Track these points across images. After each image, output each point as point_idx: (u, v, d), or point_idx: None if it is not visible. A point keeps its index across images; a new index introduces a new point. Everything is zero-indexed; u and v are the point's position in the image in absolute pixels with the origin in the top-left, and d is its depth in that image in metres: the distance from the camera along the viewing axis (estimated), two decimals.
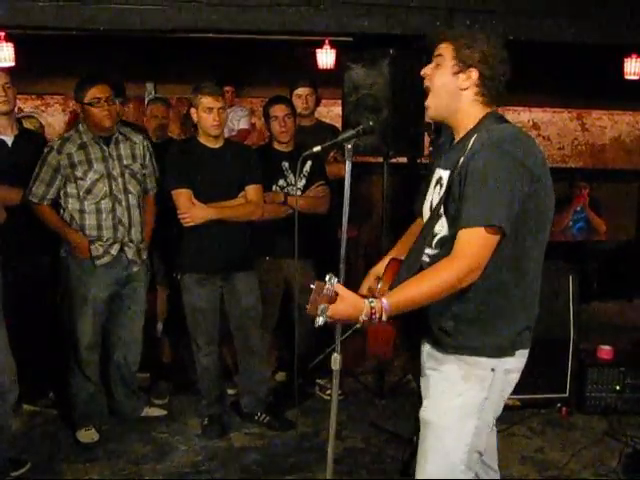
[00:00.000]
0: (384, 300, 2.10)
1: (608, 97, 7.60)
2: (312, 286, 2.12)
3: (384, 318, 2.09)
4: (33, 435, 4.05)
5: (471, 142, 2.18)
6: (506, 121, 2.29)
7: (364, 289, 2.55)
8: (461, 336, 2.25)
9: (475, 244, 2.09)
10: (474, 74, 2.23)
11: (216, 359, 4.12)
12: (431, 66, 2.30)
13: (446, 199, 2.23)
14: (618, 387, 4.35)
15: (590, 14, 4.74)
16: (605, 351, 4.47)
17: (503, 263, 2.17)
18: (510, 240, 2.13)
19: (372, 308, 2.09)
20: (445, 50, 2.26)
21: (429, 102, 2.32)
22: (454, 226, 2.18)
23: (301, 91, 4.92)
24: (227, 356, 4.70)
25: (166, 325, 4.88)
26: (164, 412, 4.37)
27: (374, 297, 2.14)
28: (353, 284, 6.14)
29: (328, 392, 4.57)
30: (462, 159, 2.18)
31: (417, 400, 3.86)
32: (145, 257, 4.08)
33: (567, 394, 4.41)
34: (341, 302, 2.10)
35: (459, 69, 2.23)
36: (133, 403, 4.28)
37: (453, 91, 2.26)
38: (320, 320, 2.09)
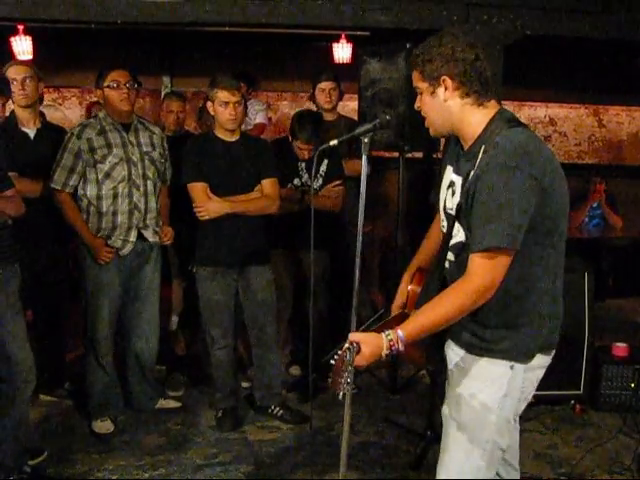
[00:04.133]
0: (399, 332, 2.16)
1: (626, 93, 7.54)
2: (332, 362, 2.18)
3: (401, 348, 2.16)
4: (49, 425, 4.09)
5: (480, 153, 2.14)
6: (515, 120, 2.22)
7: (397, 304, 2.59)
8: (484, 340, 2.27)
9: (487, 266, 2.10)
10: (446, 81, 2.19)
11: (230, 352, 4.14)
12: (418, 98, 2.32)
13: (459, 209, 2.23)
14: (633, 385, 4.33)
15: (607, 9, 4.71)
16: (620, 348, 4.45)
17: (518, 271, 2.16)
18: (523, 250, 2.13)
19: (390, 341, 2.15)
20: (415, 79, 2.28)
21: (427, 125, 2.34)
22: (467, 237, 2.20)
23: (324, 85, 4.92)
24: (241, 349, 4.72)
25: (182, 318, 4.91)
26: (179, 404, 4.39)
27: (390, 329, 2.18)
28: (368, 278, 6.10)
29: None
30: (472, 172, 2.15)
31: (430, 395, 3.90)
32: (158, 239, 4.10)
33: (581, 391, 4.40)
34: (364, 347, 2.17)
35: (433, 86, 2.22)
36: (148, 395, 4.30)
37: (440, 108, 2.24)
38: (345, 391, 2.15)
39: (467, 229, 2.20)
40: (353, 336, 2.20)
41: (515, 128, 2.17)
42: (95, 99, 4.43)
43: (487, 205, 2.07)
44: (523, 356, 2.26)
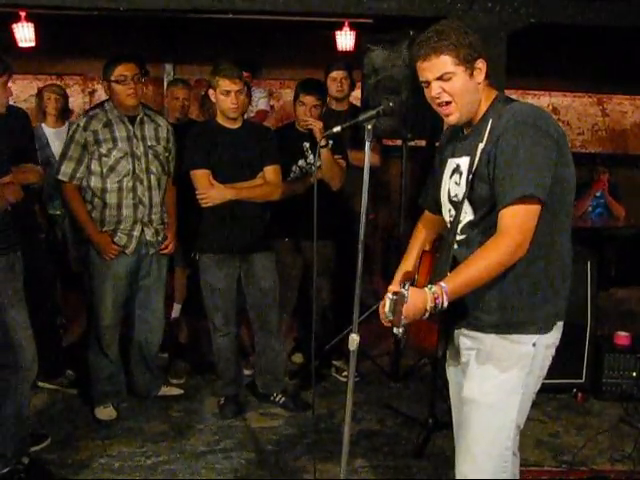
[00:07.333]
0: (443, 284, 2.14)
1: (630, 82, 7.51)
2: (393, 297, 2.08)
3: (445, 303, 2.13)
4: (53, 412, 4.11)
5: (488, 126, 2.22)
6: (513, 100, 2.33)
7: (395, 286, 2.55)
8: (501, 314, 2.27)
9: (518, 218, 2.13)
10: (481, 64, 2.26)
11: (233, 340, 4.14)
12: (439, 84, 2.26)
13: (472, 183, 2.24)
14: (635, 374, 4.34)
15: None
16: (622, 337, 4.46)
17: (537, 235, 2.19)
18: (544, 210, 2.17)
19: (434, 293, 2.12)
20: (445, 64, 2.23)
21: (454, 111, 2.28)
22: (484, 207, 2.23)
23: (336, 74, 4.90)
24: (244, 337, 4.73)
25: (184, 306, 4.91)
26: (181, 391, 4.40)
27: (431, 284, 2.16)
28: (370, 267, 6.10)
29: (344, 374, 4.60)
30: (482, 144, 2.21)
31: (432, 383, 3.90)
32: (161, 239, 4.09)
33: (583, 380, 4.41)
34: (412, 299, 2.11)
35: (471, 69, 2.24)
36: (151, 382, 4.31)
37: (474, 90, 2.28)
38: (401, 330, 2.10)
39: (480, 202, 2.23)
40: (396, 287, 2.11)
41: (518, 101, 2.31)
42: (48, 83, 4.30)
43: (512, 160, 2.13)
44: (547, 324, 2.28)
